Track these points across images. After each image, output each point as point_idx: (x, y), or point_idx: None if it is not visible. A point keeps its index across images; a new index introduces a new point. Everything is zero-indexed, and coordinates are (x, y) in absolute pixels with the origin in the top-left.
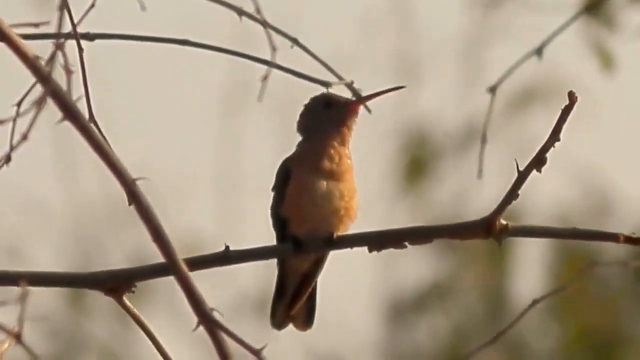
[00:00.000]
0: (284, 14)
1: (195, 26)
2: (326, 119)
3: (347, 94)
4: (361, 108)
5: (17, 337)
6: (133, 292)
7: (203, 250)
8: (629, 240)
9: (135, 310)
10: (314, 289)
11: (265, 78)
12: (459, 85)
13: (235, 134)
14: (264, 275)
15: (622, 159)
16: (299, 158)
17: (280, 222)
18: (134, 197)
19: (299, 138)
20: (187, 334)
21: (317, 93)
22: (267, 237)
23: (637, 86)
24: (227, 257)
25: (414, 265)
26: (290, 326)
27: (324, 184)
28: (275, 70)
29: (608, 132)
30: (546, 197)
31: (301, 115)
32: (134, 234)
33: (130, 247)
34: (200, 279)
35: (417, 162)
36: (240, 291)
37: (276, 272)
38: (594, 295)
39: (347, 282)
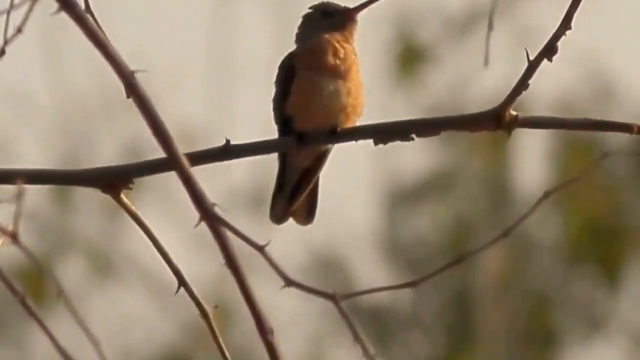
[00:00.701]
0: None
1: None
2: (326, 26)
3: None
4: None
5: (13, 237)
6: (130, 188)
7: (196, 143)
8: None
9: (133, 207)
10: (316, 184)
11: None
12: None
13: (228, 23)
14: (257, 172)
15: (626, 44)
16: (304, 55)
17: (283, 118)
18: (133, 89)
19: (294, 28)
20: (181, 233)
21: (314, 2)
22: (261, 128)
23: None
24: (228, 152)
25: (416, 157)
26: (290, 221)
27: (330, 82)
28: None
29: (612, 17)
30: (547, 85)
31: (300, 26)
32: (126, 129)
33: (121, 142)
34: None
35: (414, 50)
36: (233, 188)
37: (277, 167)
38: (599, 186)
39: (348, 175)
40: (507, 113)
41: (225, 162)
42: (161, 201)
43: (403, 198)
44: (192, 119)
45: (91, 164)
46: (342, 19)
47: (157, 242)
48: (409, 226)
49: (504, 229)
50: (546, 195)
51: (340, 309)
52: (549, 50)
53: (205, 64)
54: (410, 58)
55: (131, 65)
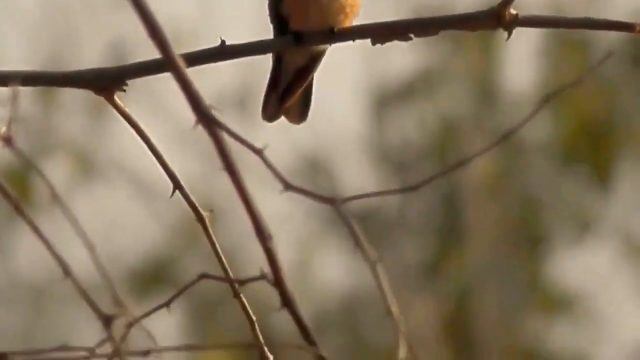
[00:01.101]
0: None
1: None
2: None
3: None
4: None
5: (7, 140)
6: (124, 90)
7: (183, 43)
8: None
9: (127, 109)
10: (310, 83)
11: None
12: None
13: None
14: (240, 74)
15: None
16: None
17: (279, 17)
18: None
19: None
20: (171, 137)
21: None
22: (247, 30)
23: None
24: (224, 52)
25: (403, 58)
26: (280, 121)
27: None
28: None
29: None
30: None
31: None
32: (110, 30)
33: (105, 42)
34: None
35: None
36: (215, 91)
37: (270, 67)
38: (591, 87)
39: (332, 78)
40: (507, 12)
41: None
42: (143, 103)
43: (389, 99)
44: (178, 19)
45: (78, 66)
46: None
47: (152, 145)
48: (396, 128)
49: (493, 129)
50: (547, 98)
51: (341, 214)
52: None
53: None
54: None
55: None
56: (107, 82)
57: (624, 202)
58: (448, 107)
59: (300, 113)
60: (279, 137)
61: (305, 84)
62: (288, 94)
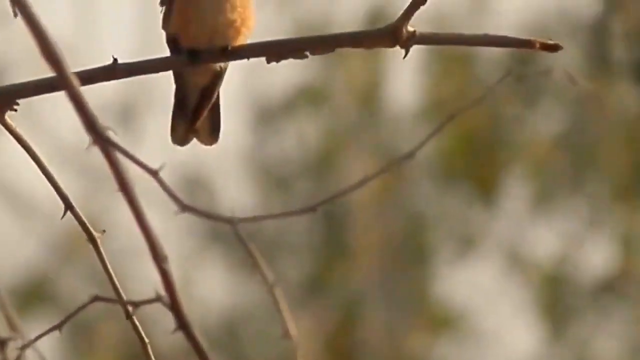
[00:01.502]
0: None
1: None
2: None
3: None
4: None
5: None
6: (15, 110)
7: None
8: (545, 46)
9: (17, 129)
10: (217, 101)
11: None
12: None
13: None
14: (122, 91)
15: None
16: None
17: (171, 37)
18: (20, 6)
19: None
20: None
21: None
22: (129, 46)
23: None
24: (116, 71)
25: (285, 73)
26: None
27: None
28: None
29: None
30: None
31: None
32: None
33: None
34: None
35: None
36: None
37: (174, 87)
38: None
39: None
40: (404, 29)
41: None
42: (27, 124)
43: (271, 114)
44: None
45: None
46: None
47: (44, 166)
48: (277, 143)
49: (377, 144)
50: (450, 117)
51: (238, 234)
52: None
53: None
54: None
55: None
56: None
57: (507, 218)
58: (330, 122)
59: (210, 133)
60: (160, 153)
61: (211, 103)
62: (196, 115)
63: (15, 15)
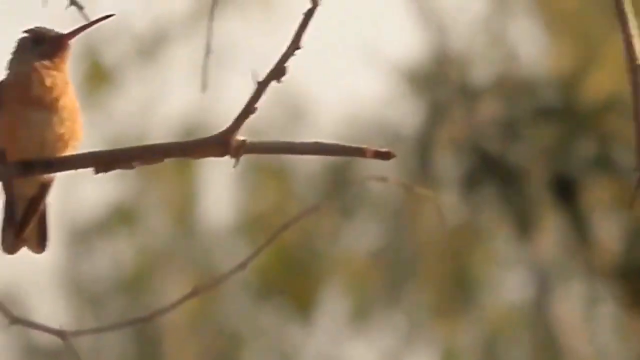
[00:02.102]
0: None
1: None
2: (37, 54)
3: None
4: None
5: None
6: None
7: None
8: (378, 154)
9: None
10: (44, 212)
11: None
12: None
13: None
14: None
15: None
16: (10, 87)
17: None
18: None
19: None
20: None
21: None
22: None
23: None
24: None
25: (96, 189)
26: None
27: (38, 113)
28: None
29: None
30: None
31: (13, 53)
32: None
33: None
34: None
35: (100, 73)
36: None
37: (2, 198)
38: (290, 214)
39: None
40: (234, 138)
41: None
42: None
43: (85, 234)
44: None
45: None
46: (54, 46)
47: None
48: (91, 262)
49: (197, 259)
50: (285, 227)
51: (69, 346)
52: (279, 72)
53: None
54: (94, 82)
55: None
56: None
57: (325, 334)
58: (144, 239)
59: (39, 241)
60: None
61: (37, 213)
62: (24, 225)
63: None
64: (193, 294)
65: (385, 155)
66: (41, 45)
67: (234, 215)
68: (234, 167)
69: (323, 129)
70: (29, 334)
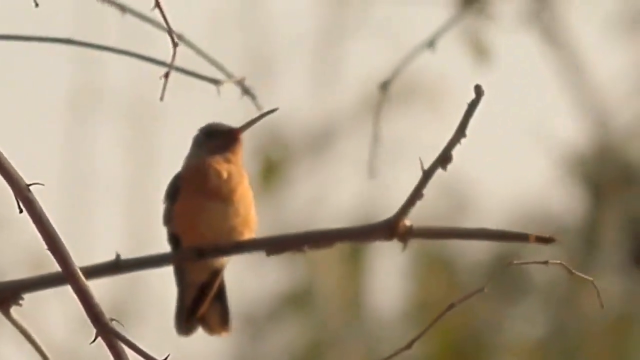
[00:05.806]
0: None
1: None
2: (210, 148)
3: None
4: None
5: None
6: (20, 305)
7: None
8: (540, 239)
9: (23, 324)
10: (222, 291)
11: (166, 76)
12: (314, 83)
13: (84, 139)
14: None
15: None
16: (186, 177)
17: (172, 234)
18: (28, 203)
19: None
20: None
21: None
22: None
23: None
24: (118, 266)
25: (265, 275)
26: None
27: (213, 204)
28: (117, 71)
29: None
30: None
31: (190, 148)
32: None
33: None
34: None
35: (272, 166)
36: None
37: (175, 285)
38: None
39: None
40: (401, 223)
41: None
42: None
43: (257, 319)
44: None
45: None
46: (226, 140)
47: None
48: (265, 347)
49: (364, 345)
50: (450, 307)
51: None
52: (444, 159)
53: (60, 181)
54: (268, 174)
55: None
56: (2, 295)
57: None
58: (316, 325)
59: (220, 321)
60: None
61: (211, 294)
62: (196, 308)
63: (21, 211)
64: None
65: (547, 241)
66: (214, 140)
67: (401, 303)
68: (402, 251)
69: (486, 216)
70: None
